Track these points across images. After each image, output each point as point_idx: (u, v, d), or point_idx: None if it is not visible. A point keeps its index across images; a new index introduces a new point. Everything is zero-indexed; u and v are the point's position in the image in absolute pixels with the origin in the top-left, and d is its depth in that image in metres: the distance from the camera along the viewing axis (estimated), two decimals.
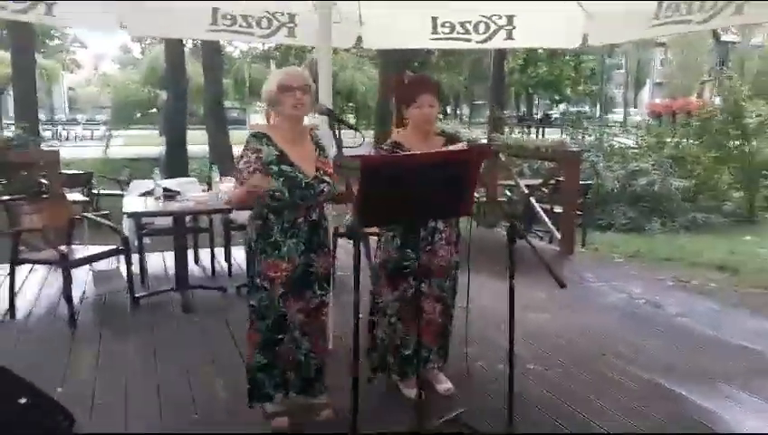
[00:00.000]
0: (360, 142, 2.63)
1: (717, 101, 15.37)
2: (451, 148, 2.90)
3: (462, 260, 3.06)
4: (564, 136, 11.99)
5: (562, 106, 34.92)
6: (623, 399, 3.08)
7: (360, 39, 5.09)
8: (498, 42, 5.04)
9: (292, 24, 4.80)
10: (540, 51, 21.36)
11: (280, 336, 2.69)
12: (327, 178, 2.65)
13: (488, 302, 3.84)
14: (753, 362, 3.57)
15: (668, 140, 11.14)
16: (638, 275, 5.58)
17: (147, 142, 21.20)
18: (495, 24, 4.90)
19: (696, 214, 9.03)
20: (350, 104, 25.55)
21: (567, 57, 23.61)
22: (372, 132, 16.93)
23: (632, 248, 6.85)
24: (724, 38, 28.94)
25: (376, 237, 3.08)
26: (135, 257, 4.81)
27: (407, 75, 16.80)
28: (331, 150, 3.05)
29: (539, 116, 34.23)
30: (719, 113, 10.61)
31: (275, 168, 2.54)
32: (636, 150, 11.06)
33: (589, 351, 3.72)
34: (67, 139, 26.03)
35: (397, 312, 2.97)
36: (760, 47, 30.68)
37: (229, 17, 4.63)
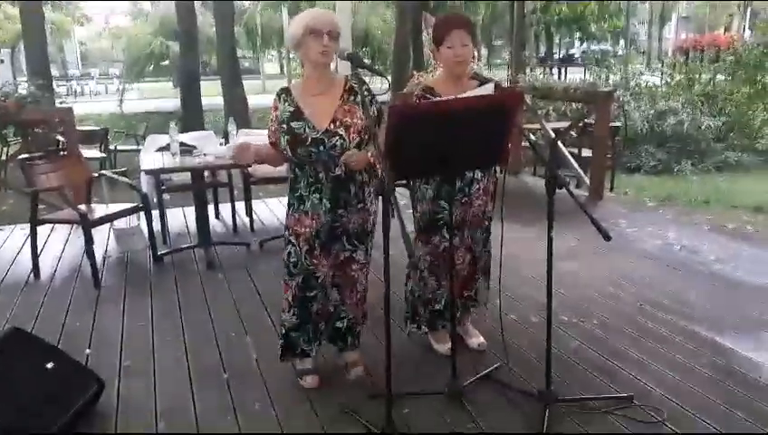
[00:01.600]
0: (386, 89, 2.46)
1: (747, 34, 14.71)
2: (480, 91, 2.72)
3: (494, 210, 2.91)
4: (589, 76, 11.54)
5: (584, 44, 33.78)
6: (665, 352, 2.96)
7: None
8: None
9: None
10: None
11: (312, 293, 2.62)
12: (341, 132, 2.42)
13: (518, 251, 3.72)
14: None
15: (698, 76, 10.69)
16: (672, 219, 5.38)
17: (162, 95, 21.05)
18: None
19: (728, 153, 8.71)
20: (365, 49, 24.94)
21: None
22: (390, 77, 16.56)
23: (663, 191, 6.62)
24: None
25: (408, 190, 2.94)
26: (155, 214, 4.73)
27: (424, 17, 16.29)
28: None
29: (560, 56, 33.20)
30: (755, 46, 10.10)
31: (285, 126, 2.45)
32: (663, 89, 10.65)
33: (625, 301, 3.59)
34: (82, 94, 25.90)
35: (429, 265, 2.87)
36: None
37: None
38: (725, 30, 30.51)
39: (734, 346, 3.01)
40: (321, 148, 2.42)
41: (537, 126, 7.17)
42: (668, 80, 11.31)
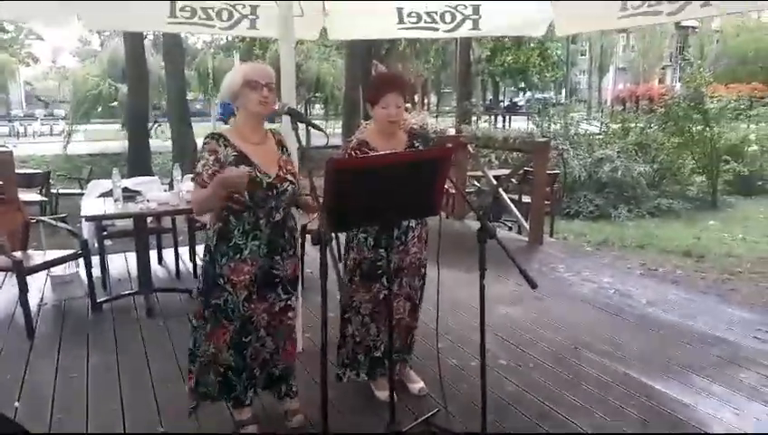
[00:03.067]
0: (325, 143, 2.55)
1: (678, 86, 15.68)
2: (419, 148, 2.85)
3: (432, 254, 3.00)
4: (531, 125, 12.04)
5: (528, 94, 35.18)
6: (599, 394, 3.07)
7: (324, 30, 4.99)
8: (465, 31, 4.98)
9: (253, 16, 4.67)
10: (506, 39, 21.42)
11: (247, 338, 2.62)
12: (290, 178, 2.55)
13: (459, 296, 3.82)
14: (724, 351, 3.60)
15: (633, 125, 11.28)
16: (608, 263, 5.61)
17: (109, 137, 20.67)
18: (461, 13, 4.85)
19: (661, 200, 9.16)
20: (317, 95, 25.27)
21: (533, 44, 23.73)
22: (341, 123, 16.81)
23: (600, 236, 6.91)
24: (684, 23, 29.48)
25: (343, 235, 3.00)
26: (96, 260, 4.64)
27: (374, 66, 16.69)
28: (294, 151, 2.97)
29: (505, 104, 34.43)
30: (682, 99, 10.76)
31: (234, 169, 2.43)
32: (601, 137, 11.18)
33: (562, 344, 3.71)
34: (25, 135, 25.21)
35: (370, 313, 2.92)
36: (719, 32, 31.40)
37: (188, 9, 4.48)
38: (660, 81, 32.35)
39: (663, 388, 3.14)
40: (275, 192, 2.48)
41: (480, 173, 7.41)
42: (605, 128, 11.89)
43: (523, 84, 33.29)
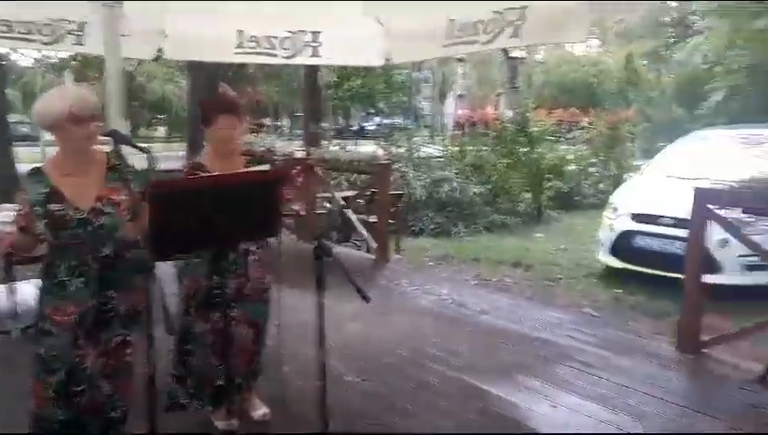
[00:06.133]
0: (153, 165, 2.44)
1: (509, 112, 17.19)
2: (252, 169, 2.86)
3: (275, 275, 3.01)
4: (377, 148, 12.47)
5: (378, 118, 36.41)
6: (436, 402, 3.25)
7: (161, 50, 4.84)
8: (305, 58, 5.09)
9: (80, 33, 4.43)
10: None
11: (79, 388, 2.40)
12: (109, 209, 2.36)
13: (305, 317, 3.83)
14: (544, 350, 3.98)
15: (469, 148, 12.11)
16: (447, 277, 5.95)
17: None
18: (302, 40, 4.95)
19: (495, 216, 9.88)
20: (160, 116, 24.21)
21: (379, 71, 24.65)
22: (186, 145, 16.18)
23: (441, 252, 7.31)
24: (512, 54, 32.27)
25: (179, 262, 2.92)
26: None
27: (221, 87, 16.30)
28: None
29: (355, 128, 35.30)
30: (510, 124, 11.76)
31: (41, 209, 2.26)
32: (441, 160, 11.85)
33: (404, 357, 3.87)
34: None
35: (211, 343, 2.84)
36: (543, 63, 34.83)
37: (5, 25, 4.18)
38: (495, 107, 35.03)
39: (495, 390, 3.41)
40: (89, 228, 2.33)
41: (329, 194, 7.53)
42: (445, 151, 12.65)
43: (372, 110, 34.42)
